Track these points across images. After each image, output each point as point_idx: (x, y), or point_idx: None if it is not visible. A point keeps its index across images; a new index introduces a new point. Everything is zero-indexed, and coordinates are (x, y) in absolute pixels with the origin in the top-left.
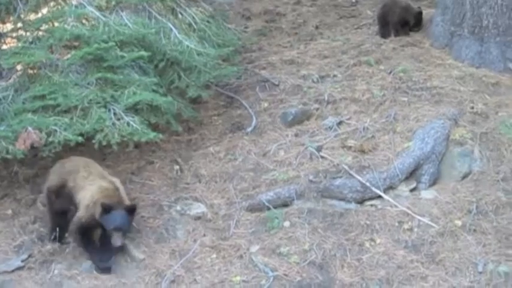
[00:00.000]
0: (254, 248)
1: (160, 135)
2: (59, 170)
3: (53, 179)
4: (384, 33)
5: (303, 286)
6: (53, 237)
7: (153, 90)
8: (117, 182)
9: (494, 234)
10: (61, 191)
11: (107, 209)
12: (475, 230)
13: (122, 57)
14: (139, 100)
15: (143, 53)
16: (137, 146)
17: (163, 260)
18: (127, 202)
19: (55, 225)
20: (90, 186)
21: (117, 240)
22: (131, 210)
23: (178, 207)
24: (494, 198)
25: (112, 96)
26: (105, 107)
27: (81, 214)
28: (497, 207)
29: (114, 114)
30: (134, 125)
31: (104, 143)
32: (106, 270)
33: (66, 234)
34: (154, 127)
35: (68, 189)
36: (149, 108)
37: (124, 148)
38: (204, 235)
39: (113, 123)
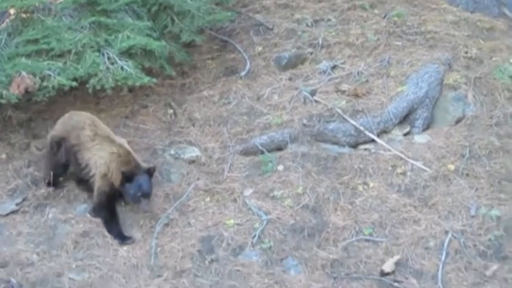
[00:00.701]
0: (248, 192)
1: (154, 80)
2: (66, 121)
3: (57, 128)
4: None
5: (296, 229)
6: (47, 181)
7: (147, 35)
8: (125, 143)
9: (486, 178)
10: (63, 143)
11: (129, 177)
12: (467, 174)
13: (116, 1)
14: (133, 44)
15: None
16: (131, 90)
17: (158, 204)
18: (142, 164)
19: (50, 171)
20: (100, 151)
21: (145, 205)
22: (152, 173)
23: (172, 151)
24: (488, 142)
25: (106, 41)
26: (98, 51)
27: (100, 185)
28: (490, 151)
29: (108, 58)
30: (128, 69)
31: (98, 88)
32: (130, 239)
33: (61, 179)
34: (148, 71)
35: (70, 145)
36: (143, 52)
37: (118, 92)
38: (198, 179)
39: (107, 68)
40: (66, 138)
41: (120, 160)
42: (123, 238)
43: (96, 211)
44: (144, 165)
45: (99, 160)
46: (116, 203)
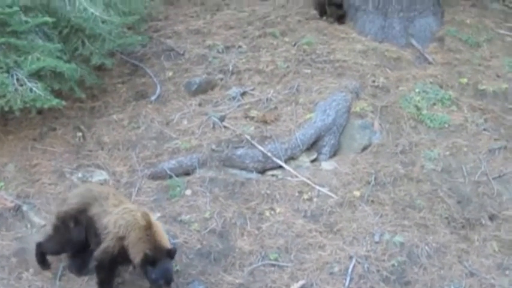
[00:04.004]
0: (155, 216)
1: (63, 102)
2: (85, 194)
3: (73, 202)
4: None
5: (203, 254)
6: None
7: (57, 57)
8: (150, 214)
9: (391, 205)
10: (81, 217)
11: (152, 261)
12: (372, 201)
13: (26, 22)
14: (43, 66)
15: (47, 18)
16: (40, 112)
17: None
18: (163, 241)
19: (60, 249)
20: (123, 214)
21: None
22: (173, 256)
23: (80, 174)
24: (393, 170)
25: (15, 62)
26: (7, 72)
27: (110, 245)
28: (395, 179)
29: (17, 79)
30: (37, 91)
31: (6, 109)
32: None
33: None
34: (58, 94)
35: (90, 216)
36: (53, 74)
37: (26, 114)
38: None
39: (16, 89)
40: (85, 210)
41: (140, 233)
42: None
43: (96, 269)
44: (165, 241)
45: (120, 221)
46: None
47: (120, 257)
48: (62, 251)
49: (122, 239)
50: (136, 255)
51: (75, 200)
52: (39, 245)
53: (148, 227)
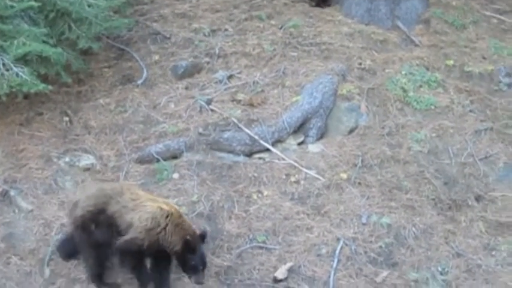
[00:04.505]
0: None
1: (50, 87)
2: (98, 194)
3: (88, 204)
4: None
5: None
6: (96, 277)
7: (43, 41)
8: (171, 202)
9: (378, 187)
10: (100, 217)
11: (193, 248)
12: (359, 183)
13: (12, 7)
14: (29, 51)
15: (33, 3)
16: (26, 97)
17: (52, 211)
18: (194, 227)
19: (97, 261)
20: (146, 207)
21: (201, 278)
22: (204, 239)
23: (67, 159)
24: (379, 152)
25: (1, 47)
26: None
27: (139, 237)
28: (382, 161)
29: (3, 64)
30: (23, 75)
31: None
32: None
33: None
34: (44, 78)
35: (110, 214)
36: (39, 59)
37: (13, 99)
38: None
39: (2, 74)
40: (104, 210)
41: (176, 220)
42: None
43: (121, 258)
44: (194, 227)
45: (145, 215)
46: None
47: (148, 250)
48: (88, 256)
49: (151, 230)
50: (176, 243)
51: (90, 202)
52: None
53: (180, 214)
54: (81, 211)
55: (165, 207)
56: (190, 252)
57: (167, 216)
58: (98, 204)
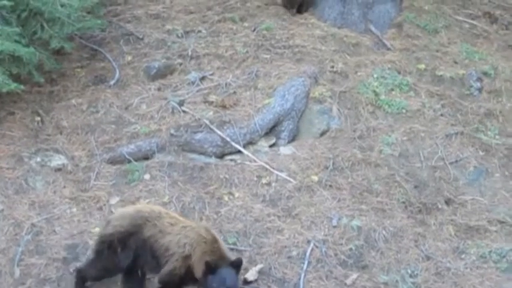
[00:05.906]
0: (114, 200)
1: (22, 86)
2: (134, 216)
3: (121, 225)
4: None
5: None
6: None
7: (16, 41)
8: (210, 228)
9: (349, 189)
10: (130, 240)
11: (213, 269)
12: (330, 186)
13: None
14: (1, 50)
15: (5, 2)
16: None
17: (23, 211)
18: (228, 254)
19: (102, 275)
20: (184, 232)
21: None
22: (238, 266)
23: (38, 159)
24: (350, 155)
25: None
26: None
27: (177, 266)
28: (353, 163)
29: None
30: None
31: None
32: None
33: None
34: (16, 78)
35: (144, 238)
36: (11, 58)
37: None
38: (64, 187)
39: None
40: (136, 232)
41: (205, 247)
42: None
43: None
44: (230, 255)
45: (183, 239)
46: None
47: (186, 277)
48: (105, 276)
49: (187, 257)
50: (199, 269)
51: (123, 222)
52: (79, 271)
53: (215, 240)
54: (111, 229)
55: (202, 233)
56: (211, 273)
57: (202, 243)
58: (131, 226)
